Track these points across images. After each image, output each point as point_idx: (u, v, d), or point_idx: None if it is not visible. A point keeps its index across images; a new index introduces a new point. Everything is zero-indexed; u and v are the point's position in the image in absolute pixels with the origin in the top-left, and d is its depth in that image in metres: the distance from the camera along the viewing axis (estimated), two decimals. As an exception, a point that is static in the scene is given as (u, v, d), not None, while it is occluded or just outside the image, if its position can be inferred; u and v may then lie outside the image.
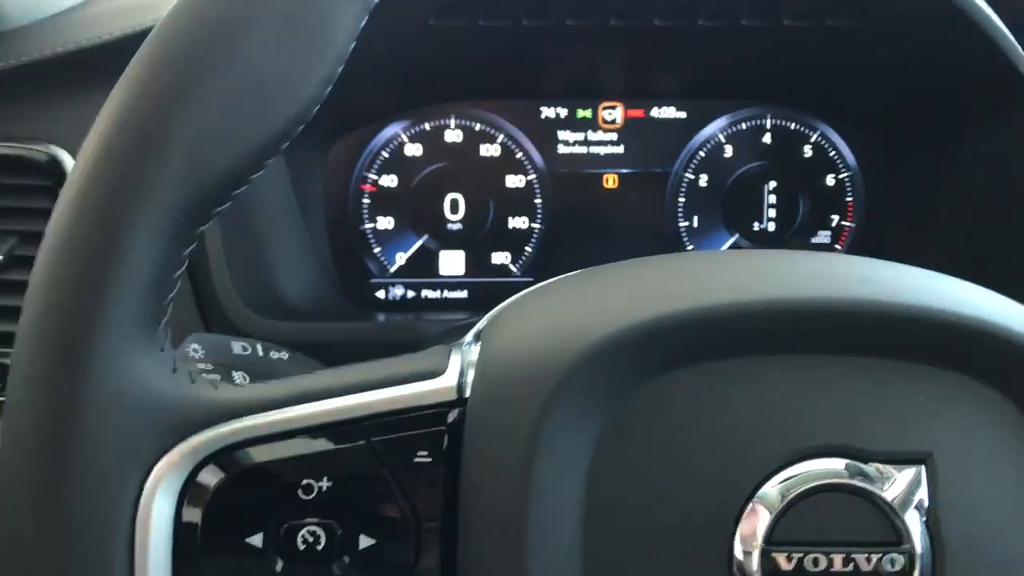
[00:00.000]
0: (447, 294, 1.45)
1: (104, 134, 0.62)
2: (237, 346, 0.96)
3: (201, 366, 0.89)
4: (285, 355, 0.98)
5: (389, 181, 1.43)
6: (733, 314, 0.59)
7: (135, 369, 0.61)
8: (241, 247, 1.18)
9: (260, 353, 0.97)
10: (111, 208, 0.61)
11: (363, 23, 0.70)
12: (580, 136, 1.45)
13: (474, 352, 0.66)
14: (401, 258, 1.44)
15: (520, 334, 0.66)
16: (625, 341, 0.60)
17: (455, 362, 0.66)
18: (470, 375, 0.63)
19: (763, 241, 1.47)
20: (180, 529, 0.58)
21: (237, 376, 0.91)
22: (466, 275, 1.45)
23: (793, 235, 1.47)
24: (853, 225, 1.47)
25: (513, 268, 1.46)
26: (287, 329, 1.15)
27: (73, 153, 1.19)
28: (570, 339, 0.60)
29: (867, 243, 1.47)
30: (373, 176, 1.43)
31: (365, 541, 0.59)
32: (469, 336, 0.71)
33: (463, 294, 1.45)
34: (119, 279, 0.61)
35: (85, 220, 0.61)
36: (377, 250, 1.44)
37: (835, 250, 1.47)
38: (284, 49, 0.67)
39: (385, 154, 1.43)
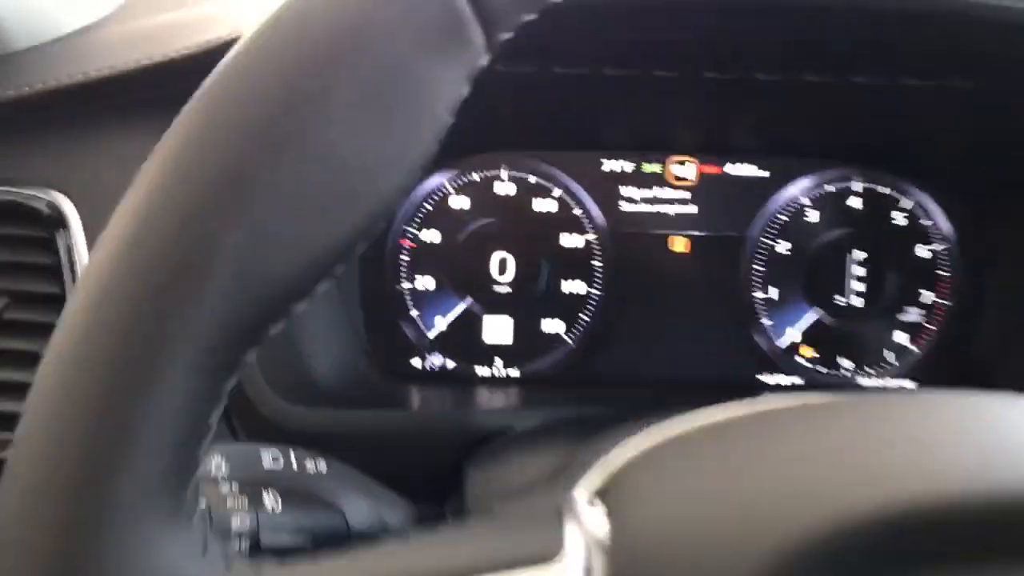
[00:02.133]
0: (492, 366, 1.29)
1: (131, 229, 0.46)
2: (267, 457, 0.79)
3: (226, 489, 0.73)
4: (323, 466, 0.82)
5: (431, 236, 1.27)
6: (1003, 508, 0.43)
7: (155, 555, 0.45)
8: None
9: (294, 465, 0.80)
10: (135, 338, 0.45)
11: (465, 92, 0.54)
12: (647, 193, 1.29)
13: (598, 526, 0.50)
14: (441, 323, 1.28)
15: (672, 513, 0.50)
16: (840, 540, 0.44)
17: (574, 540, 0.50)
18: (598, 563, 0.48)
19: (846, 317, 1.31)
20: None
21: (268, 499, 0.75)
22: (514, 343, 1.29)
23: (879, 312, 1.31)
24: (947, 303, 1.31)
25: (566, 338, 1.30)
26: (318, 419, 0.99)
27: (76, 200, 1.03)
28: (756, 533, 0.44)
29: (961, 324, 1.31)
30: (413, 230, 1.27)
31: None
32: (582, 495, 0.55)
33: (512, 369, 1.29)
34: (140, 440, 0.45)
35: (96, 355, 0.45)
36: (415, 313, 1.28)
37: (925, 330, 1.32)
38: (370, 128, 0.50)
39: (428, 206, 1.27)
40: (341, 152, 0.48)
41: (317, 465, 0.82)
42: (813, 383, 1.32)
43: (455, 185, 1.27)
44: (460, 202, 1.27)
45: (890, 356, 1.32)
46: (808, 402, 0.60)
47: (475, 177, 1.27)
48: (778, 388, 1.31)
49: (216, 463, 0.76)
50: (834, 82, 1.07)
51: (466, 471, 0.89)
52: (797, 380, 1.32)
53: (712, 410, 0.61)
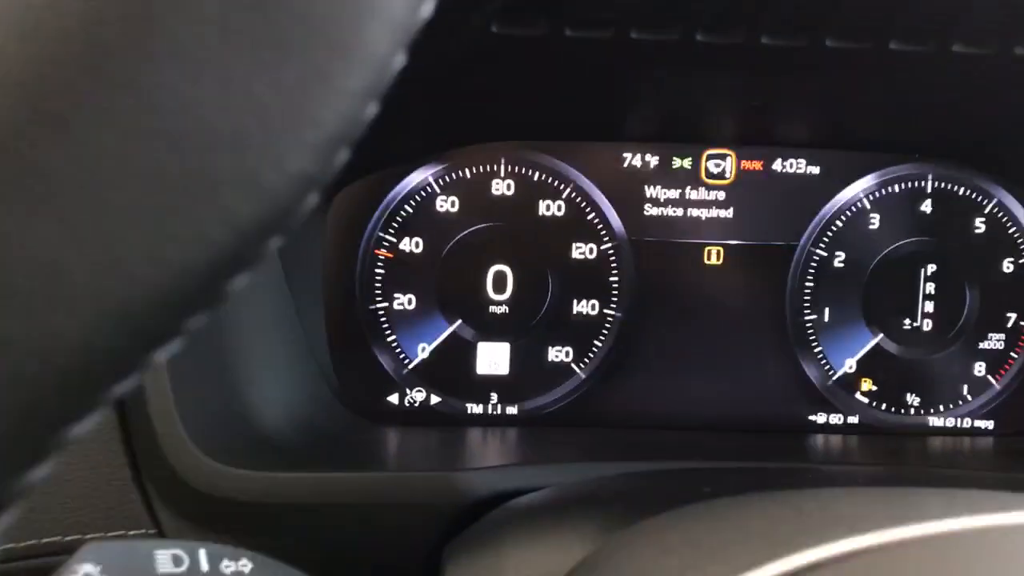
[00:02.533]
0: (486, 402, 1.06)
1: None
2: (164, 558, 0.57)
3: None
4: (247, 567, 0.59)
5: (412, 246, 1.05)
6: None
7: None
8: (194, 359, 0.79)
9: (203, 567, 0.58)
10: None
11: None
12: (675, 193, 1.06)
13: None
14: (424, 350, 1.06)
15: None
16: None
17: None
18: None
19: (914, 344, 1.08)
20: None
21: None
22: (512, 375, 1.06)
23: (954, 338, 1.08)
24: (1036, 327, 1.08)
25: (576, 368, 1.07)
26: (263, 485, 0.76)
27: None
28: None
29: (1054, 352, 1.08)
30: (390, 238, 1.04)
31: None
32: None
33: (510, 406, 1.06)
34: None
35: None
36: (392, 339, 1.05)
37: (1009, 360, 1.09)
38: (232, 68, 0.26)
39: (408, 209, 1.04)
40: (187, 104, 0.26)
41: (238, 565, 0.59)
42: (871, 423, 1.09)
43: (442, 183, 1.04)
44: (447, 204, 1.05)
45: (965, 392, 1.09)
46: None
47: (466, 173, 1.05)
48: (831, 428, 1.09)
49: (86, 572, 0.54)
50: (914, 53, 0.84)
51: (445, 565, 0.67)
52: (853, 419, 1.09)
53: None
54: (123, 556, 0.56)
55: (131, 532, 0.75)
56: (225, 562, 0.59)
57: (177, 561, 0.57)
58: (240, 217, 0.29)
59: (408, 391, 1.06)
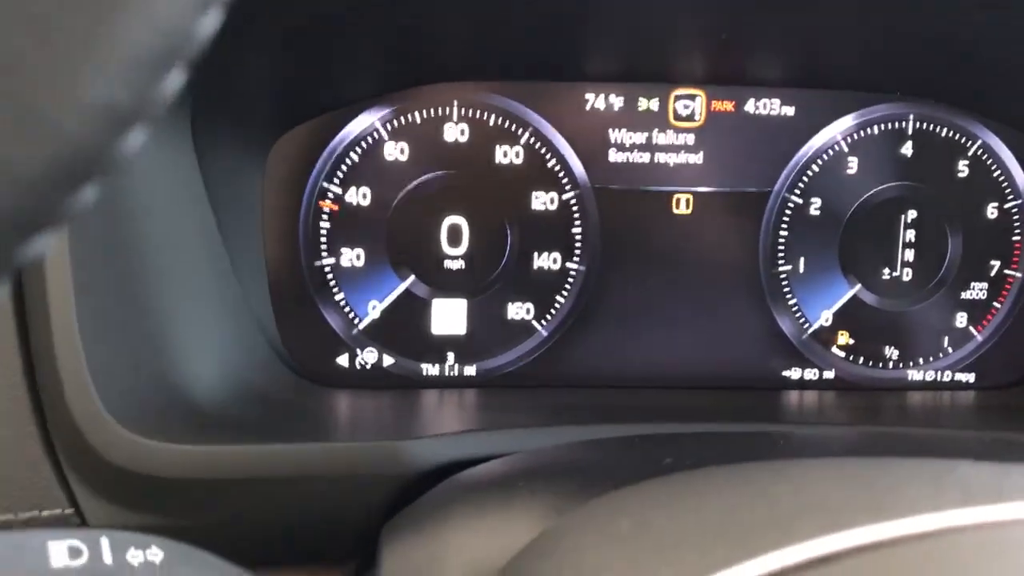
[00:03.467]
0: (442, 363, 1.00)
1: None
2: (59, 551, 0.50)
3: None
4: (157, 556, 0.53)
5: (359, 197, 0.97)
6: None
7: None
8: (113, 313, 0.72)
9: (106, 559, 0.51)
10: None
11: None
12: (641, 137, 0.99)
13: None
14: (375, 309, 0.99)
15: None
16: None
17: None
18: None
19: (893, 294, 1.03)
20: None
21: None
22: (469, 334, 1.00)
23: (935, 288, 1.03)
24: (1019, 275, 1.03)
25: (538, 326, 1.01)
26: (186, 459, 0.69)
27: None
28: None
29: (1038, 301, 1.03)
30: (335, 189, 0.97)
31: None
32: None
33: (467, 366, 1.00)
34: None
35: None
36: (340, 297, 0.98)
37: (991, 310, 1.04)
38: None
39: (354, 157, 0.97)
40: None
41: (147, 554, 0.53)
42: (848, 378, 1.04)
43: (390, 128, 0.97)
44: (397, 151, 0.97)
45: (946, 344, 1.04)
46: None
47: (416, 118, 0.97)
48: (806, 384, 1.04)
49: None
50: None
51: (382, 544, 0.61)
52: (829, 374, 1.04)
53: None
54: (11, 550, 0.49)
55: (44, 512, 0.68)
56: (132, 551, 0.53)
57: (74, 553, 0.51)
58: (23, 166, 0.22)
59: (359, 352, 0.99)
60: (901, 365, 1.05)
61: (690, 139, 1.00)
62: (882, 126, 1.01)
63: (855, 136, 1.01)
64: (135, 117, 0.25)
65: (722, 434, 0.72)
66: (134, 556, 0.53)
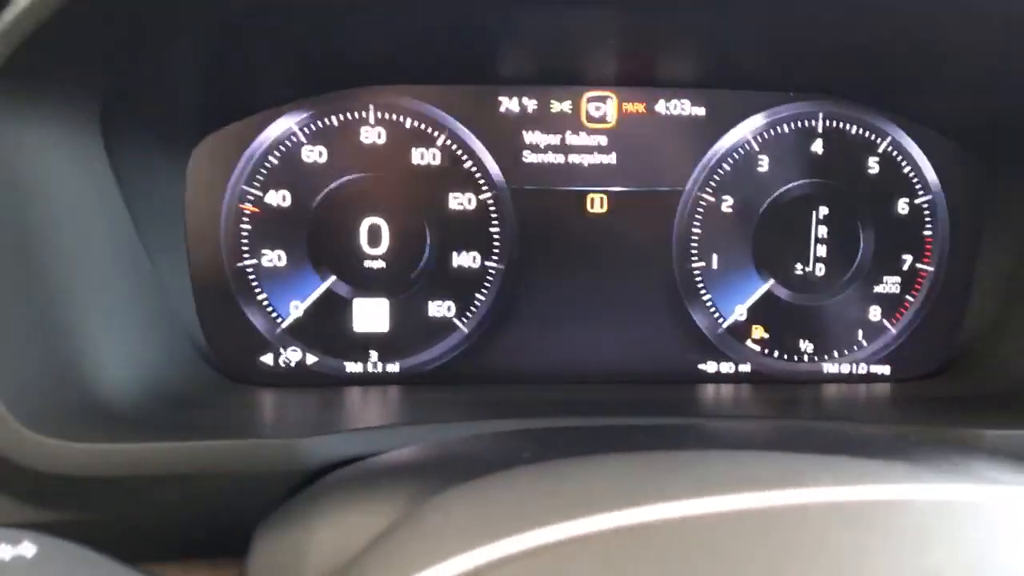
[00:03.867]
0: (365, 360, 1.03)
1: None
2: (-74, 546, 0.53)
3: None
4: (29, 550, 0.55)
5: (279, 199, 1.00)
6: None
7: None
8: (19, 316, 0.74)
9: (-25, 552, 0.54)
10: None
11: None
12: (555, 139, 1.02)
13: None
14: (298, 308, 1.01)
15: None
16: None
17: None
18: None
19: (807, 289, 1.05)
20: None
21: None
22: (391, 332, 1.02)
23: (848, 282, 1.05)
24: (931, 269, 1.06)
25: (459, 323, 1.03)
26: (80, 455, 0.72)
27: None
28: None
29: (947, 297, 1.06)
30: (255, 192, 0.99)
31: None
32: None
33: (390, 364, 1.03)
34: None
35: None
36: (263, 297, 1.01)
37: (904, 304, 1.06)
38: None
39: (273, 160, 0.99)
40: None
41: (17, 548, 0.56)
42: (764, 372, 1.06)
43: (308, 131, 0.99)
44: (315, 154, 1.00)
45: (860, 337, 1.07)
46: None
47: (334, 121, 0.99)
48: (722, 377, 1.06)
49: None
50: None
51: (253, 541, 0.63)
52: (745, 368, 1.06)
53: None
54: None
55: (-55, 510, 0.71)
56: (2, 546, 0.55)
57: (-58, 547, 0.53)
58: None
59: (282, 351, 1.02)
60: (817, 358, 1.07)
61: (603, 140, 1.02)
62: (792, 124, 1.03)
63: (765, 135, 1.03)
64: None
65: (615, 428, 0.75)
66: (3, 551, 0.55)
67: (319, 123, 0.99)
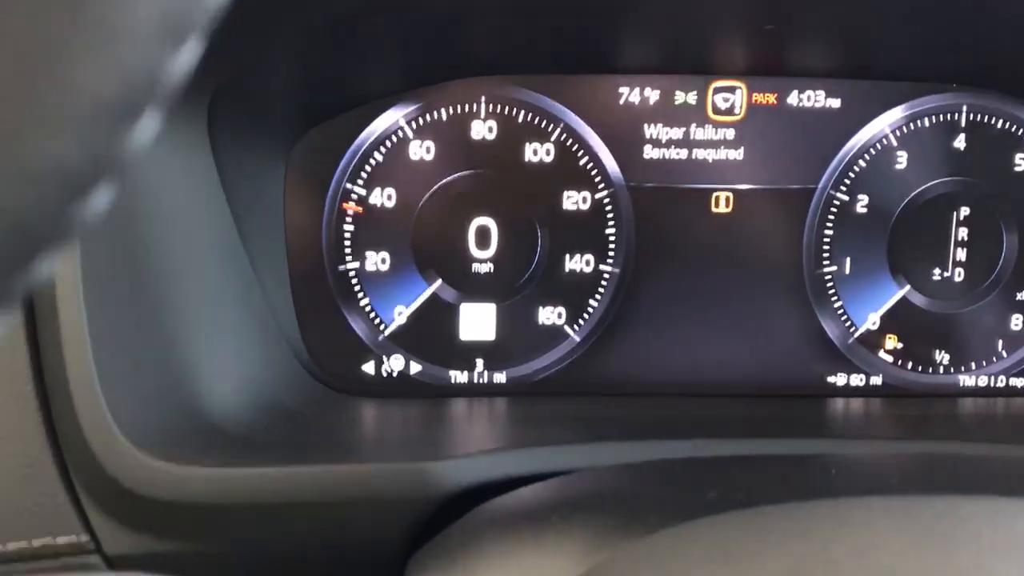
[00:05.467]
0: (471, 369, 0.96)
1: None
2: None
3: None
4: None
5: (384, 198, 0.93)
6: None
7: None
8: (128, 330, 0.68)
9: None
10: None
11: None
12: (678, 132, 0.95)
13: None
14: (401, 314, 0.95)
15: None
16: None
17: None
18: None
19: (945, 296, 0.98)
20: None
21: None
22: (499, 339, 0.96)
23: (989, 289, 0.97)
24: (1080, 275, 0.98)
25: (570, 331, 0.97)
26: (202, 483, 0.66)
27: None
28: None
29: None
30: (359, 190, 0.93)
31: None
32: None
33: (497, 373, 0.96)
34: None
35: None
36: (365, 302, 0.95)
37: (1049, 310, 0.98)
38: None
39: (378, 157, 0.93)
40: None
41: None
42: (897, 384, 0.99)
43: (415, 126, 0.93)
44: (423, 150, 0.93)
45: (1000, 348, 0.99)
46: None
47: (442, 114, 0.93)
48: (852, 390, 0.99)
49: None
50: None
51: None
52: (876, 380, 0.99)
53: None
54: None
55: (59, 539, 0.65)
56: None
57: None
58: None
59: (385, 359, 0.96)
60: (952, 370, 1.00)
61: (730, 134, 0.95)
62: (933, 118, 0.95)
63: (904, 129, 0.95)
64: (95, 177, 0.21)
65: (767, 459, 0.68)
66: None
67: (427, 117, 0.93)
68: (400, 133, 0.93)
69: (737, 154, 0.95)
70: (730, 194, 0.96)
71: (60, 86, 0.19)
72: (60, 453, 0.66)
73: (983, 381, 1.00)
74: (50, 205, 0.20)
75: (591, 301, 0.97)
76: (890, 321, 0.98)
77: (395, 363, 0.96)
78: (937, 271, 0.97)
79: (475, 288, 0.95)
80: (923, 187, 0.96)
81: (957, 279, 0.98)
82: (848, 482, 0.60)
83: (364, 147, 0.92)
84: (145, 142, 0.22)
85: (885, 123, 0.95)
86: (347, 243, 0.94)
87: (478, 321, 0.96)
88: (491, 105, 0.93)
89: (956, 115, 0.96)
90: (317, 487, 0.68)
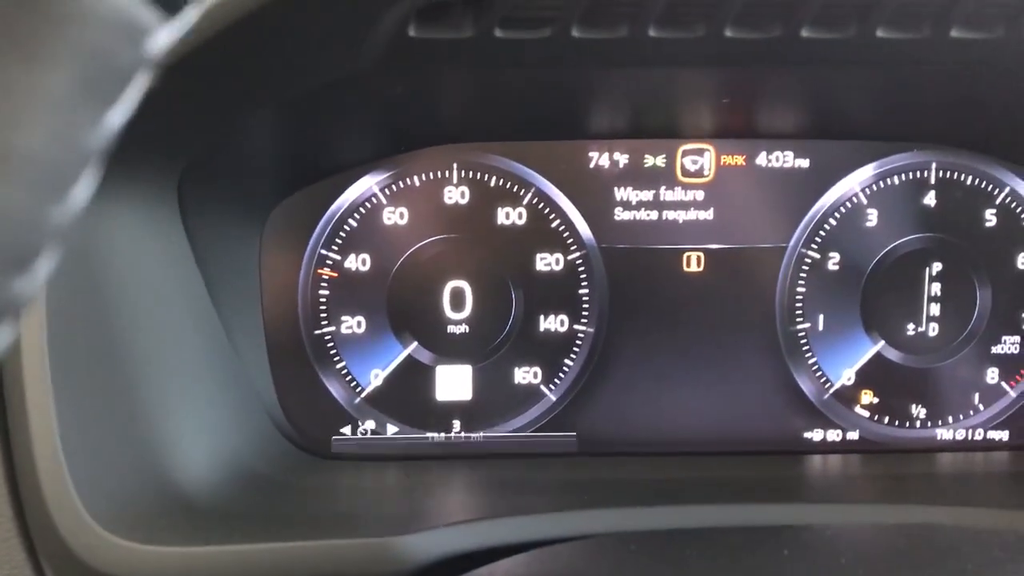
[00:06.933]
0: (448, 430, 0.97)
1: None
2: None
3: None
4: None
5: (359, 263, 0.95)
6: None
7: None
8: (97, 402, 0.70)
9: None
10: None
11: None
12: (648, 195, 0.96)
13: None
14: (378, 377, 0.96)
15: None
16: None
17: None
18: None
19: (919, 351, 0.98)
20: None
21: None
22: (475, 400, 0.97)
23: (964, 343, 0.98)
24: (1055, 328, 0.98)
25: (546, 390, 0.98)
26: (173, 561, 0.67)
27: None
28: None
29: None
30: (334, 256, 0.95)
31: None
32: None
33: (474, 433, 0.97)
34: None
35: None
36: (341, 365, 0.96)
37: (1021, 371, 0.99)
38: None
39: (352, 222, 0.94)
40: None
41: None
42: (873, 439, 0.99)
43: (389, 193, 0.94)
44: (396, 215, 0.95)
45: (977, 401, 0.99)
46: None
47: (416, 181, 0.94)
48: (828, 446, 0.99)
49: None
50: (907, 41, 0.73)
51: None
52: (853, 435, 0.99)
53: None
54: None
55: (26, 621, 0.66)
56: None
57: None
58: None
59: (361, 422, 0.97)
60: (929, 424, 1.00)
61: (700, 195, 0.96)
62: (903, 176, 0.96)
63: (874, 187, 0.96)
64: None
65: (728, 532, 0.68)
66: None
67: (400, 183, 0.94)
68: (374, 200, 0.94)
69: (707, 215, 0.96)
70: (701, 254, 0.96)
71: None
72: (28, 532, 0.67)
73: (960, 434, 1.00)
74: None
75: (566, 360, 0.98)
76: (865, 376, 0.99)
77: (371, 425, 0.97)
78: (911, 326, 0.98)
79: (451, 350, 0.96)
80: (895, 244, 0.97)
81: (931, 334, 0.98)
82: (801, 562, 0.61)
83: (339, 214, 0.94)
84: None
85: (855, 182, 0.96)
86: (323, 307, 0.95)
87: (454, 382, 0.97)
88: (463, 171, 0.94)
89: (926, 172, 0.96)
90: (287, 564, 0.69)
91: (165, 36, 0.25)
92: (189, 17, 0.26)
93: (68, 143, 0.23)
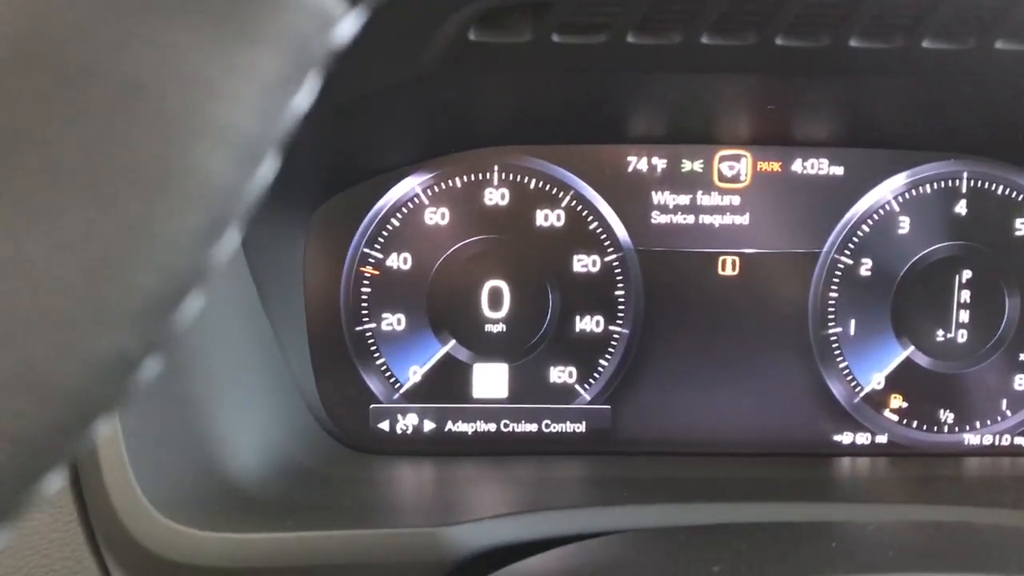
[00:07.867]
0: (482, 427, 0.99)
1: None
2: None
3: None
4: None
5: (400, 262, 0.97)
6: None
7: None
8: (154, 397, 0.72)
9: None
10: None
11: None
12: (685, 199, 0.98)
13: None
14: (416, 373, 0.98)
15: None
16: None
17: None
18: None
19: (948, 356, 1.00)
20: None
21: None
22: (511, 399, 0.98)
23: (992, 349, 0.99)
24: (1082, 336, 0.99)
25: (581, 390, 0.99)
26: (228, 548, 0.69)
27: None
28: None
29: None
30: (376, 254, 0.96)
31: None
32: None
33: (507, 427, 0.99)
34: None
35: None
36: (381, 362, 0.98)
37: (1053, 371, 1.00)
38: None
39: (395, 222, 0.96)
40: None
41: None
42: (902, 443, 1.01)
43: (431, 193, 0.96)
44: (437, 216, 0.97)
45: (1004, 407, 1.01)
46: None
47: (456, 182, 0.96)
48: (858, 449, 1.01)
49: None
50: (951, 51, 0.75)
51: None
52: (882, 439, 1.01)
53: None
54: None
55: (86, 603, 0.68)
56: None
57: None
58: (19, 425, 0.22)
59: (399, 418, 0.99)
60: (957, 429, 1.01)
61: (735, 200, 0.98)
62: (935, 184, 0.98)
63: (907, 195, 0.98)
64: (146, 355, 0.24)
65: (772, 527, 0.70)
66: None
67: (442, 185, 0.96)
68: (416, 200, 0.96)
69: (743, 219, 0.98)
70: (736, 258, 0.98)
71: (117, 288, 0.22)
72: (87, 517, 0.69)
73: (988, 440, 1.01)
74: (109, 384, 0.23)
75: (601, 361, 0.99)
76: (895, 381, 1.00)
77: (409, 421, 0.99)
78: (940, 332, 0.99)
79: (488, 348, 0.98)
80: (926, 251, 0.98)
81: (960, 340, 1.00)
82: (851, 556, 0.62)
83: (382, 213, 0.96)
84: (192, 316, 0.26)
85: (887, 190, 0.98)
86: (364, 305, 0.97)
87: (491, 380, 0.99)
88: (504, 173, 0.96)
89: (957, 181, 0.98)
90: (335, 552, 0.71)
91: (348, 25, 0.27)
92: (371, 4, 0.28)
93: (269, 124, 0.25)
